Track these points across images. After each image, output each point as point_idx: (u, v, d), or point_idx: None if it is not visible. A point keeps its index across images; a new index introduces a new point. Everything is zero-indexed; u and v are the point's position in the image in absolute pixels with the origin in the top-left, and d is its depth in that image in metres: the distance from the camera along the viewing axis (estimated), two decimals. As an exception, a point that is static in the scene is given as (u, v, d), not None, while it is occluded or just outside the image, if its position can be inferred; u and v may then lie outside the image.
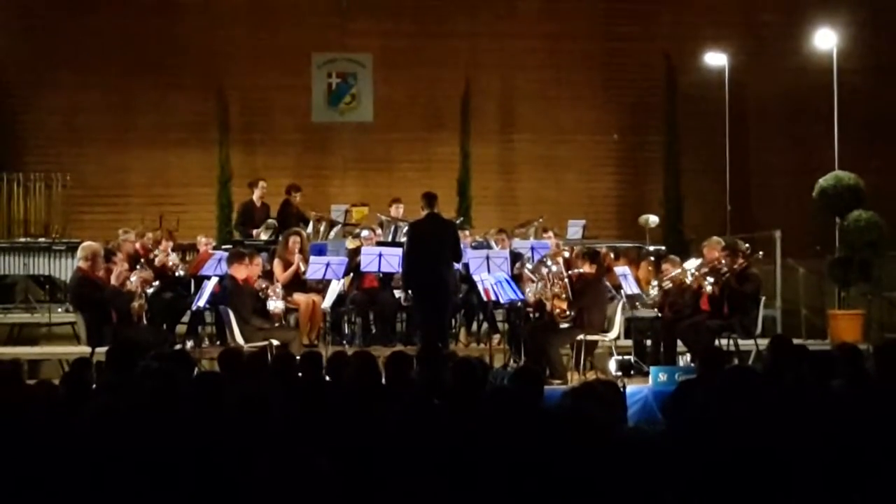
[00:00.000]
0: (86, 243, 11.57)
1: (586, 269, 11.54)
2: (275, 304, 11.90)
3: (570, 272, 11.58)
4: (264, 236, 14.80)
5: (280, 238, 13.47)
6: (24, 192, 17.19)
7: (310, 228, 14.74)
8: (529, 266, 12.33)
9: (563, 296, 11.37)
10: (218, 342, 12.53)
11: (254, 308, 11.77)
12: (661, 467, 4.31)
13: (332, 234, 15.07)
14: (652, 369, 10.70)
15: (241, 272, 11.79)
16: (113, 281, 11.24)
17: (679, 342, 11.79)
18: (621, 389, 9.00)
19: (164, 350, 10.18)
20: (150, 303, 12.19)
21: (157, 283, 12.56)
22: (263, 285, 11.91)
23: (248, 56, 18.94)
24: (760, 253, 12.48)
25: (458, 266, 12.17)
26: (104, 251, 11.62)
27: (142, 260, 12.60)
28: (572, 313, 11.32)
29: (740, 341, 11.60)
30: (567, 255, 12.18)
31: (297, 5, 19.07)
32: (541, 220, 15.71)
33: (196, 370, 8.60)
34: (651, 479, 4.22)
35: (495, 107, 19.57)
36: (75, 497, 4.48)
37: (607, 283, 12.30)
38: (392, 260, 12.38)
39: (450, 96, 19.26)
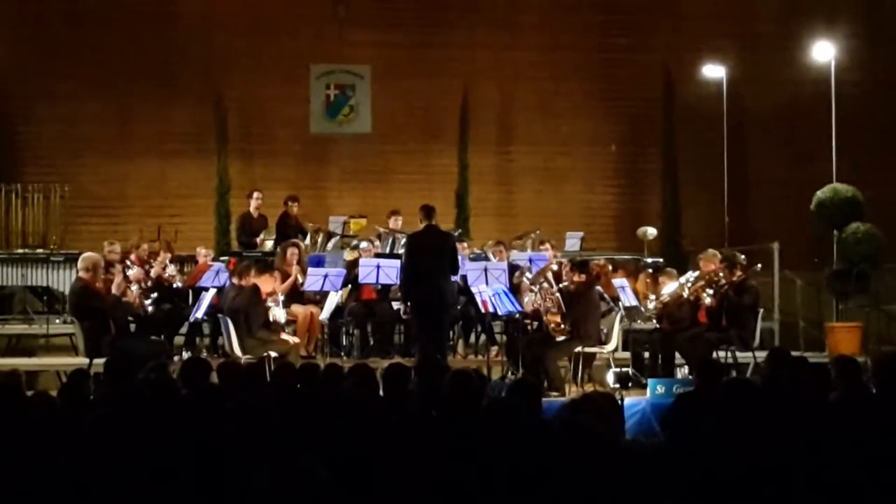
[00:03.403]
0: (86, 254, 11.56)
1: (576, 279, 11.58)
2: (278, 313, 11.90)
3: (560, 285, 11.61)
4: (268, 244, 14.81)
5: (278, 250, 13.47)
6: (23, 203, 17.19)
7: (307, 240, 14.73)
8: (529, 276, 12.36)
9: (556, 309, 11.41)
10: (215, 354, 12.51)
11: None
12: (660, 480, 4.30)
13: (330, 245, 15.07)
14: (650, 381, 10.70)
15: (268, 285, 11.81)
16: (114, 290, 11.24)
17: (677, 354, 11.79)
18: (619, 402, 9.03)
19: (166, 360, 10.23)
20: (148, 314, 12.19)
21: (154, 294, 12.53)
22: (276, 313, 11.92)
23: (246, 67, 18.97)
24: (758, 265, 12.48)
25: (455, 278, 12.16)
26: (104, 262, 11.62)
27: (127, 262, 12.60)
28: (567, 326, 11.34)
29: (738, 353, 11.60)
30: (555, 268, 12.21)
31: (295, 16, 19.09)
32: (538, 232, 15.72)
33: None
34: (649, 492, 4.21)
35: (493, 118, 19.60)
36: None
37: (605, 295, 12.32)
38: (390, 272, 12.38)
39: (448, 108, 19.29)
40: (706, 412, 5.58)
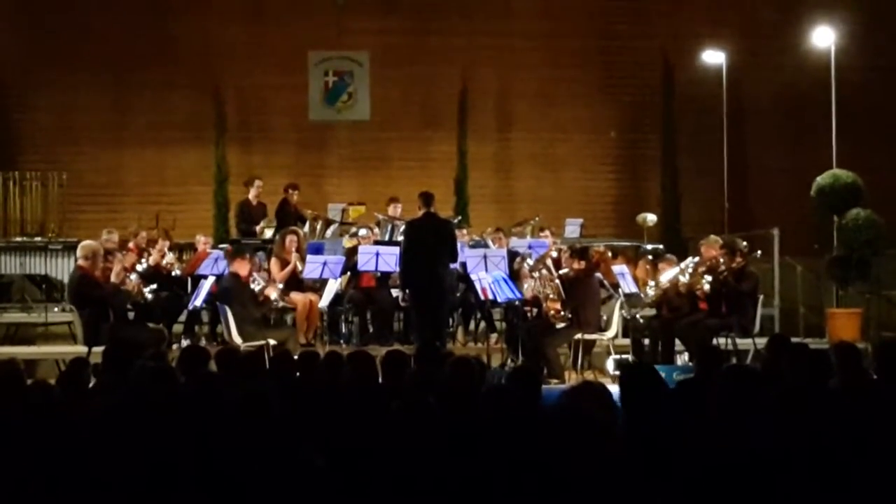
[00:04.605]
0: (85, 242, 11.56)
1: (576, 266, 11.56)
2: (266, 288, 11.91)
3: (560, 272, 11.59)
4: (268, 232, 14.77)
5: (277, 237, 13.45)
6: (21, 192, 17.16)
7: (306, 227, 14.71)
8: (529, 263, 12.34)
9: (555, 296, 11.39)
10: (214, 341, 12.50)
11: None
12: (660, 467, 4.29)
13: (329, 232, 15.05)
14: (650, 368, 10.68)
15: (243, 268, 11.79)
16: (113, 279, 11.23)
17: (677, 341, 11.78)
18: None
19: (164, 349, 10.25)
20: (147, 302, 12.17)
21: (154, 285, 12.51)
22: (256, 284, 11.89)
23: (244, 54, 18.93)
24: (758, 251, 12.46)
25: (455, 265, 12.14)
26: (103, 250, 11.61)
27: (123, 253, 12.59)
28: (567, 313, 11.32)
29: (738, 340, 11.57)
30: (555, 254, 12.20)
31: (293, 3, 19.04)
32: (537, 218, 15.71)
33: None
34: (649, 479, 4.20)
35: (492, 105, 19.57)
36: (72, 498, 4.46)
37: (605, 282, 12.30)
38: (389, 259, 12.37)
39: (447, 94, 19.26)
40: (707, 399, 5.56)
